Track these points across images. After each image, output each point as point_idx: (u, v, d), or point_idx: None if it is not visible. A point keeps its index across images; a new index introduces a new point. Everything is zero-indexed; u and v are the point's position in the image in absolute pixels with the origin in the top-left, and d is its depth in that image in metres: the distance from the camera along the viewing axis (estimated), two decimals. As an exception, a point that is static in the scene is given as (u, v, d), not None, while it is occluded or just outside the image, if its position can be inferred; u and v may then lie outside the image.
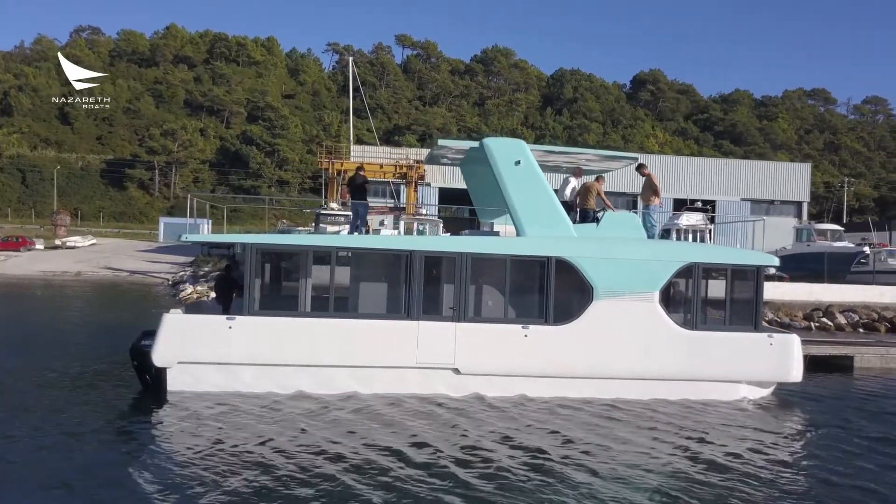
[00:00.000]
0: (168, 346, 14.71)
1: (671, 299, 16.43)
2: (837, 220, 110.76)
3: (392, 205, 59.99)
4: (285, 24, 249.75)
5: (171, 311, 15.73)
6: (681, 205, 51.53)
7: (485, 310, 15.75)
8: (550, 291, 15.64)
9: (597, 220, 16.69)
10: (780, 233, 50.22)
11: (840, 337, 26.11)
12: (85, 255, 63.15)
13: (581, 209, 16.95)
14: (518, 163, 16.12)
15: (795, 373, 16.51)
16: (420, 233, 44.26)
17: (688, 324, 16.07)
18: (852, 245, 43.95)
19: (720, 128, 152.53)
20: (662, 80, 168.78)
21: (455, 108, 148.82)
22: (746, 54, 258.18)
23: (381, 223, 43.33)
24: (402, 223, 43.35)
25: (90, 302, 35.75)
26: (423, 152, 58.70)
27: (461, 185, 61.76)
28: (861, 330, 35.01)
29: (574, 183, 17.52)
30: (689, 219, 41.84)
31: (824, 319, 35.04)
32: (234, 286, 17.89)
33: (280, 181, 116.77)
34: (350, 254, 15.72)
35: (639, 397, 15.90)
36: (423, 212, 47.67)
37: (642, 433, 13.57)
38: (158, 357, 14.69)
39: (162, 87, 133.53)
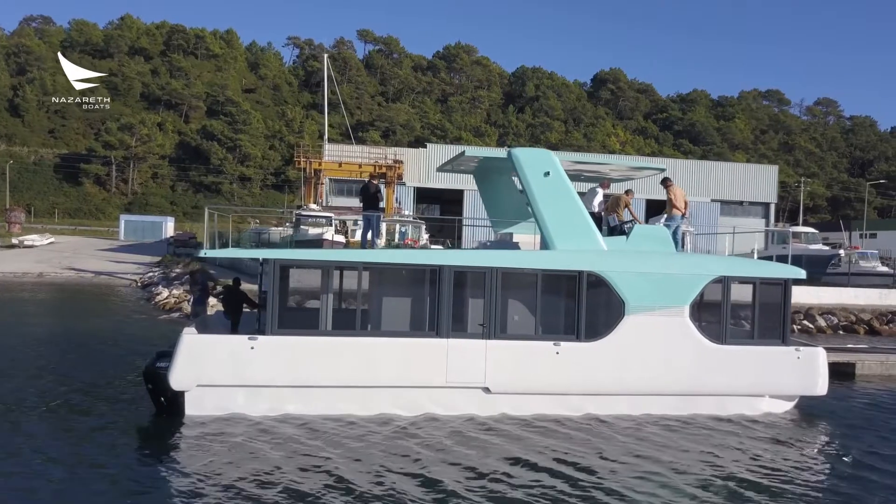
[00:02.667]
0: (186, 369, 13.86)
1: (700, 313, 16.14)
2: (793, 220, 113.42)
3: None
4: (245, 16, 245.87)
5: (186, 330, 14.85)
6: (654, 206, 51.86)
7: (515, 326, 15.25)
8: (582, 307, 15.23)
9: (624, 232, 16.34)
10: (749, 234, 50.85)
11: (821, 340, 26.38)
12: (44, 254, 60.78)
13: (609, 222, 16.55)
14: (547, 174, 15.68)
15: (821, 386, 16.42)
16: (402, 234, 43.67)
17: (717, 338, 15.82)
18: (827, 248, 44.71)
19: (679, 127, 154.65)
20: (622, 79, 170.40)
21: (418, 104, 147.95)
22: (703, 54, 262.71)
23: (355, 223, 42.58)
24: (383, 225, 42.60)
25: (62, 308, 34.19)
26: (404, 151, 58.09)
27: (436, 184, 61.22)
28: (841, 332, 35.65)
29: (601, 194, 17.12)
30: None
31: (805, 322, 35.53)
32: (243, 300, 17.10)
33: (242, 177, 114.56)
34: (373, 269, 15.03)
35: (670, 413, 15.63)
36: (406, 213, 47.00)
37: (677, 450, 13.31)
38: (176, 380, 13.83)
39: (117, 79, 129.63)
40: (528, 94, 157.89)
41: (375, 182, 18.08)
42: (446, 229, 48.18)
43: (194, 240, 65.36)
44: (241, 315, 16.93)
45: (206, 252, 15.07)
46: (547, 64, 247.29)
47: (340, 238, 37.23)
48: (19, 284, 46.04)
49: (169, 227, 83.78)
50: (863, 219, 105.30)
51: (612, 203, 16.78)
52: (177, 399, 14.15)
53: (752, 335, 16.17)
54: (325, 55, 63.88)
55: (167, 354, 14.35)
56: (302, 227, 38.87)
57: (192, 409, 14.04)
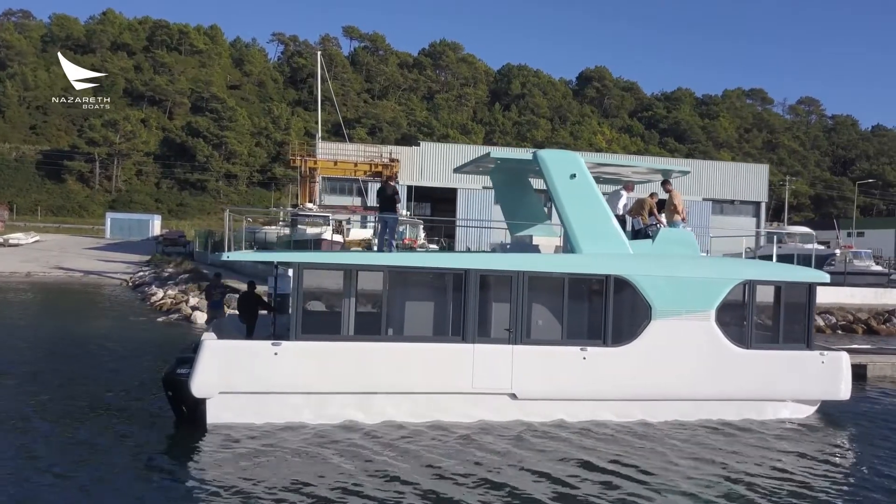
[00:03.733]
0: (209, 376, 13.47)
1: (725, 317, 15.97)
2: (777, 218, 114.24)
3: (359, 203, 58.68)
4: (229, 12, 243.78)
5: (205, 335, 14.45)
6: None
7: (542, 331, 15.00)
8: (609, 311, 15.01)
9: (648, 235, 16.14)
10: (741, 231, 51.15)
11: (820, 340, 26.26)
12: (31, 253, 59.78)
13: (633, 225, 16.33)
14: (573, 176, 15.44)
15: (844, 390, 16.32)
16: (400, 235, 43.30)
17: (742, 342, 15.67)
18: (822, 247, 44.90)
19: (664, 125, 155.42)
20: (608, 76, 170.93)
21: (404, 101, 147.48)
22: (687, 52, 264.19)
23: (348, 221, 42.13)
24: (411, 228, 42.13)
25: (55, 310, 33.52)
26: (399, 149, 57.62)
27: (429, 182, 60.84)
28: (840, 332, 35.80)
29: (625, 197, 16.90)
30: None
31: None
32: (259, 304, 16.73)
33: (228, 174, 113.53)
34: (398, 272, 14.69)
35: (694, 418, 15.45)
36: (404, 213, 46.52)
37: (704, 458, 13.13)
38: (198, 387, 13.43)
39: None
40: (514, 92, 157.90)
41: (393, 184, 17.76)
42: (435, 228, 47.85)
43: (184, 238, 64.67)
44: (256, 319, 16.57)
45: (228, 255, 14.63)
46: (532, 61, 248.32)
47: (338, 238, 36.82)
48: (7, 285, 45.14)
49: (156, 226, 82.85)
50: (846, 217, 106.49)
51: (636, 206, 16.58)
52: (198, 407, 13.76)
53: (778, 339, 16.02)
54: (319, 53, 63.36)
55: (187, 360, 13.94)
56: (299, 226, 38.43)
57: (213, 416, 13.65)
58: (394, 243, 17.02)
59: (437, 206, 66.53)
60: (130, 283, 47.46)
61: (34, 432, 13.28)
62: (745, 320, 15.81)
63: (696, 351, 15.35)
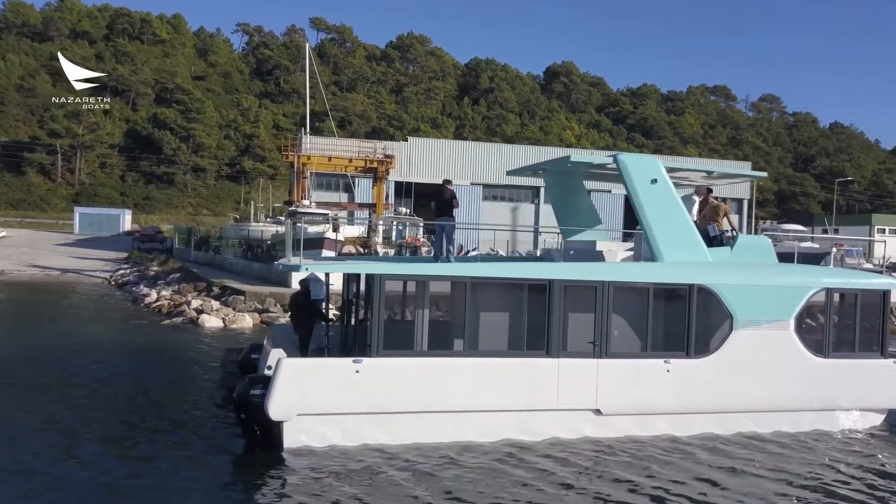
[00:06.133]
0: (286, 397, 12.53)
1: (802, 326, 15.60)
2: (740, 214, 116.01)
3: (346, 199, 57.41)
4: (192, 1, 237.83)
5: (274, 351, 13.48)
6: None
7: (626, 344, 14.41)
8: (692, 322, 14.49)
9: (722, 243, 15.66)
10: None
11: None
12: (1, 250, 57.22)
13: (708, 231, 15.81)
14: (654, 181, 14.89)
15: (915, 399, 16.10)
16: (399, 233, 42.38)
17: (819, 351, 15.32)
18: (817, 245, 45.28)
19: (632, 121, 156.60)
20: (574, 71, 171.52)
21: (373, 94, 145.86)
22: (653, 47, 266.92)
23: (335, 217, 41.11)
24: (379, 222, 41.06)
25: (44, 312, 31.79)
26: (394, 145, 56.46)
27: (416, 178, 59.79)
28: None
29: (698, 203, 16.38)
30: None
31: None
32: (315, 314, 15.81)
33: (196, 168, 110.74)
34: (476, 283, 13.91)
35: (772, 429, 15.08)
36: (404, 210, 45.59)
37: (790, 468, 12.96)
38: (275, 410, 12.48)
39: (59, 63, 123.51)
40: (482, 86, 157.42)
41: (450, 187, 16.89)
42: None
43: (161, 234, 62.58)
44: (311, 331, 15.67)
45: (307, 267, 13.64)
46: (500, 56, 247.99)
47: (339, 236, 35.86)
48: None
49: (126, 221, 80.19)
50: (808, 213, 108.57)
51: (710, 212, 16.06)
52: (272, 429, 12.83)
53: (853, 347, 15.71)
54: (307, 45, 62.02)
55: (260, 380, 12.99)
56: (298, 225, 37.24)
57: (290, 440, 12.73)
58: (452, 251, 16.20)
59: (423, 201, 65.57)
60: (112, 282, 45.67)
61: (92, 448, 12.48)
62: (821, 328, 15.47)
63: (777, 361, 14.96)
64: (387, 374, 13.05)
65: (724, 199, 16.61)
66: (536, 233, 49.61)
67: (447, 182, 17.05)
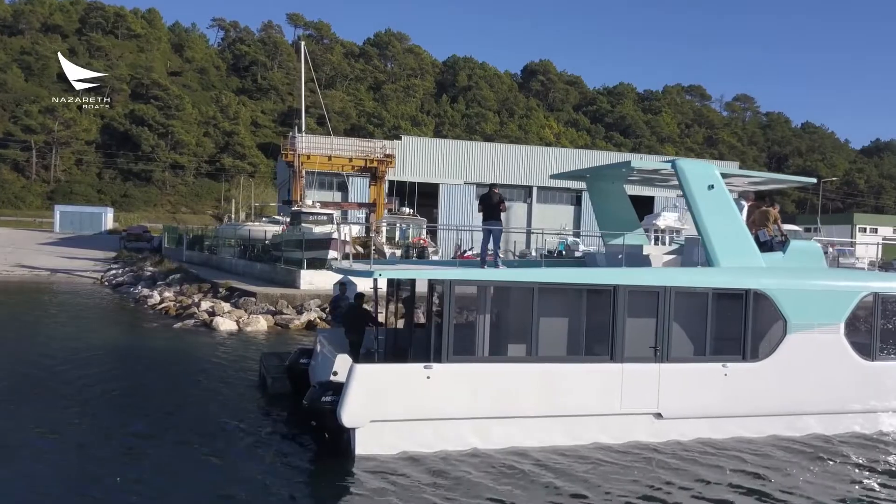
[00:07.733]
0: (359, 404, 12.42)
1: (852, 329, 15.84)
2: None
3: (341, 198, 57.04)
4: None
5: (340, 357, 13.33)
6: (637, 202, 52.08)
7: (685, 348, 14.52)
8: (749, 326, 14.67)
9: (772, 247, 15.84)
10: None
11: None
12: (-16, 250, 55.92)
13: (759, 237, 15.96)
14: (711, 187, 15.00)
15: (955, 401, 16.41)
16: (404, 233, 42.21)
17: (868, 354, 15.58)
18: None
19: (609, 119, 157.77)
20: (552, 70, 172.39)
21: (352, 91, 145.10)
22: (629, 47, 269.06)
23: (339, 220, 40.85)
24: (383, 222, 40.80)
25: (45, 315, 31.16)
26: (388, 143, 56.11)
27: (410, 177, 59.54)
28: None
29: (747, 208, 16.52)
30: (665, 219, 42.23)
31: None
32: (368, 319, 15.70)
33: (175, 165, 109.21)
34: (540, 289, 13.89)
35: (822, 432, 15.30)
36: (408, 211, 45.38)
37: (843, 472, 13.21)
38: (349, 417, 12.37)
39: (31, 58, 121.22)
40: (461, 84, 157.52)
41: (498, 191, 16.80)
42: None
43: (148, 233, 61.61)
44: (363, 336, 15.56)
45: (379, 273, 13.51)
46: (478, 54, 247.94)
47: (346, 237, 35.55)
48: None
49: (108, 219, 78.75)
50: (783, 211, 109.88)
51: (760, 217, 16.21)
52: (343, 436, 12.70)
53: (901, 351, 15.99)
54: (302, 42, 61.19)
55: (331, 387, 12.85)
56: (303, 225, 36.95)
57: (362, 447, 12.60)
58: (500, 255, 16.11)
59: (418, 200, 65.43)
60: (105, 283, 44.85)
61: (166, 457, 12.31)
62: (869, 332, 15.72)
63: (828, 364, 15.21)
64: (458, 380, 13.00)
65: (773, 204, 16.72)
66: (529, 234, 49.77)
67: (493, 186, 16.92)
